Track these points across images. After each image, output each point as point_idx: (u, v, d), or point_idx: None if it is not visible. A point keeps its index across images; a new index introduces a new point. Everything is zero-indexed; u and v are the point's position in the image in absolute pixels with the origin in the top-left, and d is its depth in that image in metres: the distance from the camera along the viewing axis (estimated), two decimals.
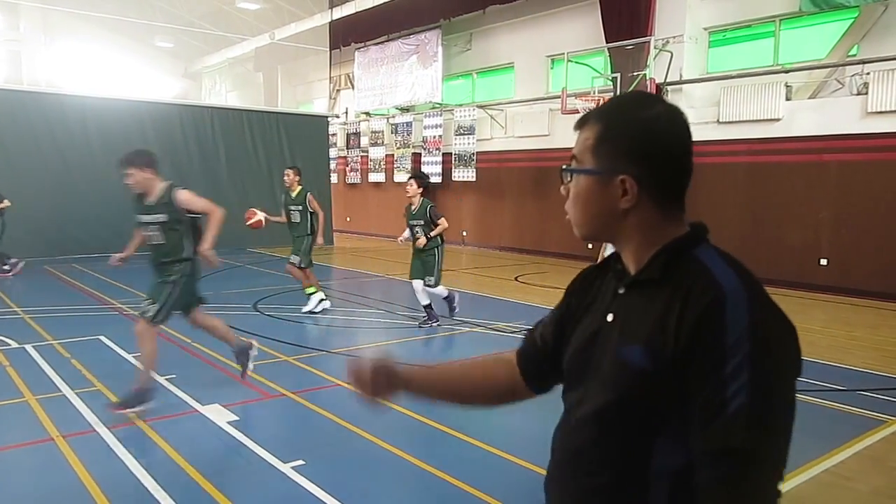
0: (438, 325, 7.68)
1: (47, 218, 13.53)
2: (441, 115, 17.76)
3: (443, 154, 17.65)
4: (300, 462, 3.94)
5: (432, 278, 7.54)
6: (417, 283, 7.60)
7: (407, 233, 7.78)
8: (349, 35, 20.60)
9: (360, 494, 3.57)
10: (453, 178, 17.39)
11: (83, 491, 3.57)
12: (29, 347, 6.45)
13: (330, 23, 20.83)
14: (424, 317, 7.76)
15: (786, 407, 0.98)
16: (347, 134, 21.50)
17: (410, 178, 7.78)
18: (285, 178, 8.52)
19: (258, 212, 8.12)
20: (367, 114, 20.82)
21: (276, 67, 26.93)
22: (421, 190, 7.62)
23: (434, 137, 17.92)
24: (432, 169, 17.69)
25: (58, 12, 20.67)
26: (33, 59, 23.84)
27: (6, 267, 11.19)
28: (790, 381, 0.99)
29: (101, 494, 3.53)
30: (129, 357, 6.21)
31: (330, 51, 22.04)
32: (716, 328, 0.97)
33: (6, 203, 11.08)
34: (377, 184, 20.39)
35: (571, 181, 1.20)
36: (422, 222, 7.51)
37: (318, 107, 24.11)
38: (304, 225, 8.44)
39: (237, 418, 4.69)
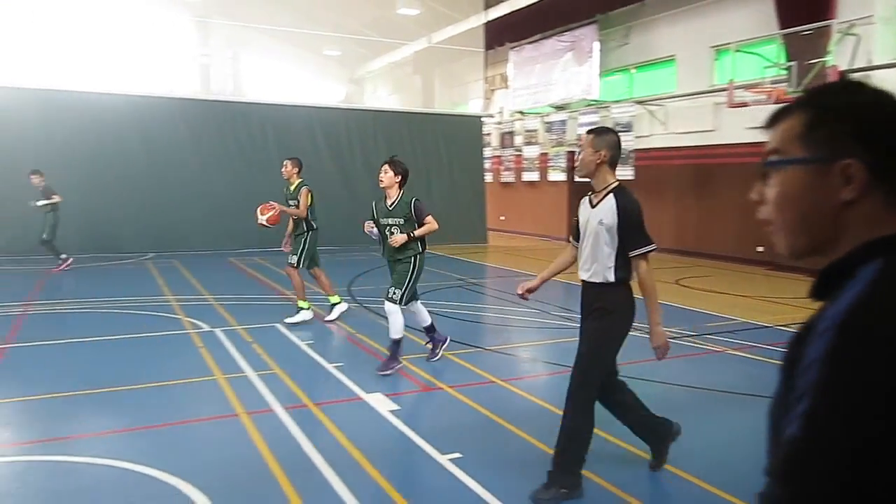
0: (440, 352, 6.20)
1: (232, 213, 14.97)
2: (597, 113, 17.40)
3: None
4: (457, 455, 4.07)
5: (398, 292, 5.75)
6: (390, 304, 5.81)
7: (372, 229, 6.07)
8: (504, 35, 20.76)
9: (516, 494, 3.61)
10: None
11: (263, 464, 3.93)
12: (218, 331, 7.20)
13: (485, 24, 21.13)
14: (430, 342, 6.26)
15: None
16: (501, 133, 21.69)
17: (385, 163, 6.01)
18: (283, 169, 7.95)
19: (274, 204, 7.77)
20: (521, 113, 20.86)
21: (433, 70, 27.76)
22: (399, 179, 5.93)
23: None
24: None
25: (242, 28, 22.72)
26: (221, 71, 26.42)
27: (63, 257, 11.70)
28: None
29: (279, 468, 3.87)
30: (302, 344, 6.73)
31: (485, 51, 22.35)
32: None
33: (57, 198, 11.45)
34: (531, 183, 20.39)
35: (770, 181, 1.00)
36: (401, 221, 5.83)
37: (473, 107, 24.53)
38: (301, 222, 7.79)
39: (398, 408, 4.92)
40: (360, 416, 4.81)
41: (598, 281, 3.57)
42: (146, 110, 14.49)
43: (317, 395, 5.21)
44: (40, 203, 11.28)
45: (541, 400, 5.16)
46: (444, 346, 6.21)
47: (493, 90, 22.96)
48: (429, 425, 4.72)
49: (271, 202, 7.85)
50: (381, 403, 5.00)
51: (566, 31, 18.44)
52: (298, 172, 7.93)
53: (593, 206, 3.58)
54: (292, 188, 7.88)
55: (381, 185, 5.92)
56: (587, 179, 3.62)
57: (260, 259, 13.51)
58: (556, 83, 19.01)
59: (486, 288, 11.25)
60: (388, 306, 5.76)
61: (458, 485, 3.72)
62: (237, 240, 14.98)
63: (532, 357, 6.76)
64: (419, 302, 6.16)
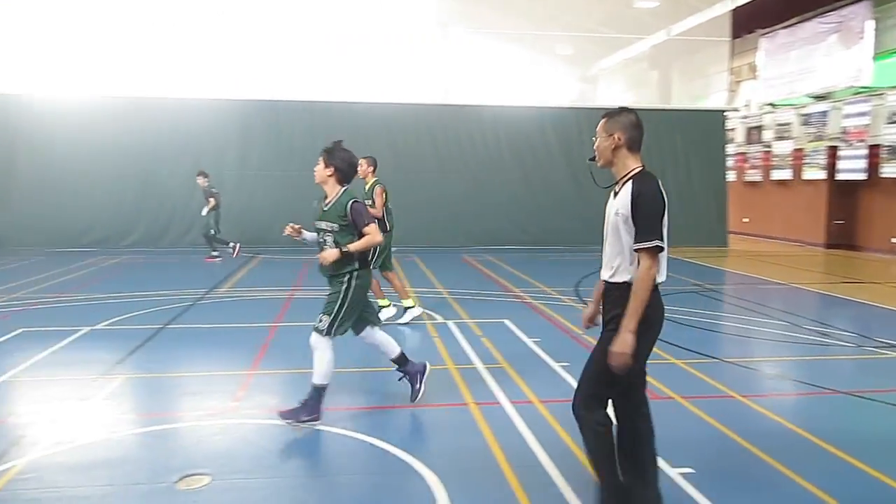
0: (421, 385, 4.98)
1: (467, 212, 15.71)
2: (868, 102, 15.20)
3: (868, 146, 15.10)
4: (689, 469, 3.83)
5: (326, 319, 4.56)
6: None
7: (311, 237, 4.87)
8: (753, 21, 19.04)
9: None
10: (881, 175, 14.75)
11: (490, 454, 4.05)
12: (451, 324, 7.58)
13: (732, 11, 19.57)
14: (404, 377, 5.04)
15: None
16: (748, 128, 19.95)
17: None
18: (358, 168, 7.88)
19: None
20: (772, 105, 18.99)
21: (671, 63, 26.38)
22: (331, 172, 4.65)
23: (857, 127, 15.44)
24: (854, 164, 15.31)
25: (477, 33, 23.70)
26: (457, 76, 27.77)
27: (227, 248, 13.10)
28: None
29: (505, 460, 3.96)
30: (528, 341, 6.82)
31: (731, 40, 20.71)
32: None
33: (213, 202, 12.89)
34: (782, 181, 18.48)
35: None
36: (335, 227, 4.60)
37: (715, 101, 22.89)
38: (376, 222, 7.53)
39: None
40: None
41: (619, 281, 3.12)
42: (392, 117, 15.76)
43: (542, 392, 5.23)
44: (204, 212, 12.99)
45: (788, 421, 4.64)
46: (424, 378, 4.97)
47: (738, 81, 21.20)
48: (658, 435, 4.48)
49: None
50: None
51: (831, 10, 16.38)
52: (374, 171, 7.69)
53: (615, 197, 3.16)
54: (367, 188, 7.67)
55: (316, 181, 4.79)
56: (609, 168, 3.23)
57: (491, 257, 13.96)
58: (817, 70, 17.00)
59: (725, 295, 10.42)
60: (312, 338, 4.53)
61: (687, 500, 3.50)
62: (471, 238, 15.67)
63: (778, 373, 6.11)
64: (378, 329, 4.91)
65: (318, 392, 4.51)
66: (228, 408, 4.91)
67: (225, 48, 16.31)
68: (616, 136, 3.13)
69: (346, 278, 4.57)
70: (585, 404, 3.23)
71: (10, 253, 13.52)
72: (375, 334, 4.89)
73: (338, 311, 4.57)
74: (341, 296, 4.57)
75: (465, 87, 19.36)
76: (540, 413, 4.78)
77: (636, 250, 3.01)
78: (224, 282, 10.54)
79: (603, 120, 3.20)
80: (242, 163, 15.38)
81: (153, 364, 6.03)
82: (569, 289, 9.98)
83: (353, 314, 4.65)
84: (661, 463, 3.92)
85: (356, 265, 4.60)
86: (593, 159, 3.25)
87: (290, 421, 4.45)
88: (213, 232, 13.10)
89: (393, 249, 7.98)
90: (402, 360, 4.97)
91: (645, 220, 2.99)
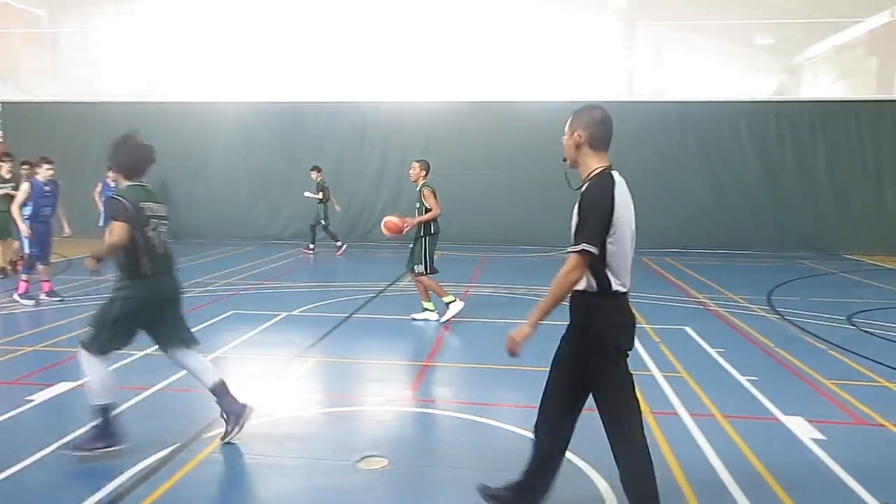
0: (235, 429, 4.12)
1: (647, 212, 15.03)
2: None
3: None
4: None
5: (90, 330, 3.94)
6: None
7: None
8: None
9: None
10: None
11: (665, 466, 3.86)
12: None
13: None
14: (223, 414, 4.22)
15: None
16: None
17: None
18: (411, 171, 7.85)
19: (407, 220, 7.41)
20: None
21: (894, 49, 23.32)
22: (115, 170, 4.27)
23: None
24: None
25: (668, 27, 22.63)
26: (644, 73, 26.74)
27: (311, 246, 13.77)
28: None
29: (681, 473, 3.75)
30: (712, 351, 6.40)
31: None
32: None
33: (320, 195, 13.67)
34: None
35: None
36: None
37: None
38: (421, 225, 7.53)
39: (823, 438, 4.30)
40: (776, 438, 4.35)
41: (576, 288, 2.90)
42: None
43: (726, 406, 4.88)
44: (307, 194, 13.94)
45: None
46: (240, 422, 4.10)
47: None
48: (863, 464, 3.99)
49: (405, 219, 7.61)
50: (801, 429, 4.44)
51: None
52: (426, 175, 7.77)
53: None
54: (417, 189, 7.78)
55: None
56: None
57: (672, 260, 13.28)
58: None
59: None
60: (79, 354, 3.91)
61: None
62: (650, 239, 15.01)
63: None
64: (193, 354, 4.18)
65: (104, 413, 3.87)
66: (406, 396, 5.16)
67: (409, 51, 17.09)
68: (577, 133, 2.98)
69: (116, 287, 3.98)
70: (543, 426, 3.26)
71: (229, 243, 15.27)
72: (187, 359, 4.16)
73: (100, 324, 3.90)
74: (106, 307, 3.95)
75: (652, 84, 18.62)
76: (723, 428, 4.47)
77: (568, 251, 2.84)
78: (405, 276, 11.07)
79: (570, 118, 3.04)
80: (459, 163, 16.06)
81: (339, 350, 6.50)
82: (760, 297, 9.21)
83: (122, 330, 3.94)
84: (863, 495, 3.50)
85: (127, 274, 3.97)
86: (566, 159, 3.08)
87: (84, 451, 3.83)
88: (323, 223, 13.93)
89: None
90: (219, 392, 4.13)
91: (580, 222, 2.84)
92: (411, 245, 7.73)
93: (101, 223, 13.74)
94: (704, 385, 5.33)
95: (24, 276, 8.55)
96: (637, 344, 6.43)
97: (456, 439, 4.36)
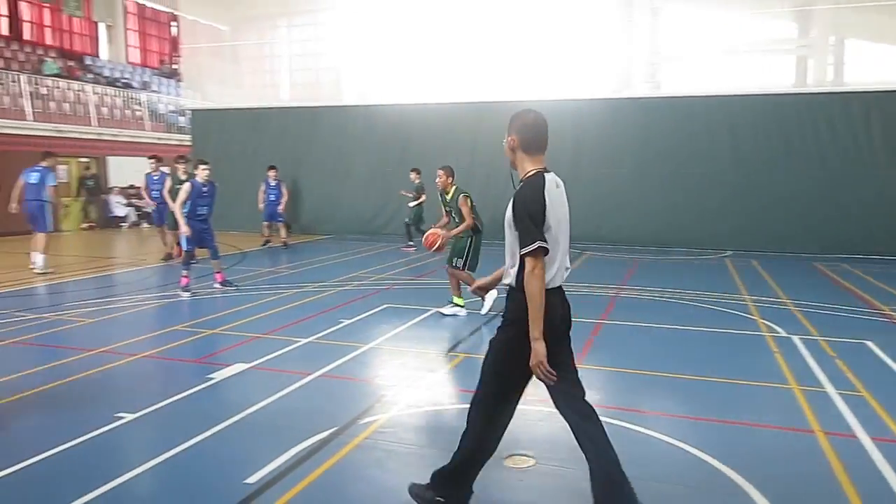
0: None
1: (821, 215, 13.79)
2: None
3: None
4: None
5: None
6: None
7: None
8: None
9: None
10: None
11: (840, 492, 3.52)
12: (795, 339, 6.75)
13: None
14: None
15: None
16: None
17: None
18: (437, 179, 8.08)
19: (438, 231, 7.07)
20: None
21: None
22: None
23: None
24: None
25: (849, 10, 20.56)
26: (820, 60, 24.46)
27: (410, 244, 14.01)
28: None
29: (858, 501, 3.40)
30: None
31: None
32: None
33: (423, 198, 14.12)
34: None
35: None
36: None
37: None
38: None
39: None
40: None
41: (506, 282, 3.14)
42: (737, 109, 14.55)
43: None
44: (404, 191, 14.46)
45: None
46: None
47: None
48: None
49: (436, 231, 7.22)
50: None
51: None
52: (452, 181, 8.02)
53: None
54: (449, 197, 7.96)
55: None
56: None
57: (850, 266, 12.05)
58: None
59: None
60: None
61: None
62: (824, 244, 13.73)
63: None
64: None
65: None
66: None
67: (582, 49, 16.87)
68: (511, 137, 3.12)
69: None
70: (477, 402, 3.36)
71: (384, 239, 15.98)
72: None
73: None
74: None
75: (830, 72, 17.07)
76: None
77: (521, 255, 2.96)
78: None
79: (509, 122, 3.16)
80: (575, 161, 15.76)
81: (486, 347, 6.55)
82: None
83: None
84: None
85: None
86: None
87: None
88: (407, 220, 14.35)
89: (730, 252, 7.44)
90: None
91: (521, 223, 2.96)
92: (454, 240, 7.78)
93: (264, 220, 14.92)
94: (889, 406, 4.79)
95: (183, 272, 9.14)
96: (808, 357, 5.96)
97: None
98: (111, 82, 23.30)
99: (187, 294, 9.00)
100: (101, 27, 26.68)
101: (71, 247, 15.45)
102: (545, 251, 2.93)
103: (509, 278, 3.12)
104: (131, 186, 20.15)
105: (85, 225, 19.81)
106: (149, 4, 28.41)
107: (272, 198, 14.51)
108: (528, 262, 2.93)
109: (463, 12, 17.53)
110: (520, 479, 3.73)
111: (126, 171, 20.22)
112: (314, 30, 20.54)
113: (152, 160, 13.01)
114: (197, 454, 4.03)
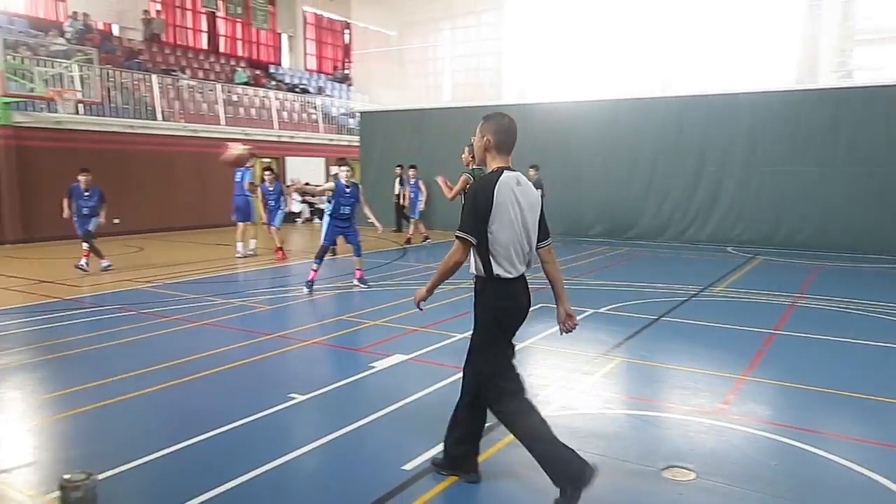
0: None
1: None
2: None
3: None
4: None
5: None
6: None
7: None
8: None
9: None
10: None
11: None
12: None
13: None
14: None
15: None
16: None
17: None
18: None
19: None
20: None
21: None
22: None
23: None
24: None
25: None
26: None
27: None
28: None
29: None
30: None
31: None
32: None
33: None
34: None
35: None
36: None
37: None
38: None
39: None
40: None
41: (476, 273, 3.45)
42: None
43: None
44: None
45: None
46: None
47: None
48: None
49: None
50: None
51: None
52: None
53: None
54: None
55: None
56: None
57: None
58: None
59: None
60: None
61: None
62: None
63: None
64: None
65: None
66: (716, 409, 4.81)
67: (726, 42, 15.80)
68: (486, 138, 3.41)
69: None
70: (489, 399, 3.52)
71: None
72: None
73: None
74: None
75: None
76: None
77: (455, 235, 3.38)
78: (720, 280, 10.32)
79: (481, 122, 3.45)
80: (750, 158, 14.70)
81: (646, 352, 6.32)
82: None
83: None
84: None
85: None
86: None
87: None
88: None
89: None
90: None
91: (465, 212, 3.38)
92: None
93: (414, 216, 15.55)
94: None
95: (314, 266, 9.34)
96: None
97: (771, 463, 3.94)
98: (290, 88, 25.25)
99: (306, 290, 9.12)
100: (284, 38, 28.99)
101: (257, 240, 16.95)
102: (467, 243, 3.34)
103: (471, 267, 3.47)
104: (307, 184, 21.79)
105: (264, 220, 21.65)
106: (325, 15, 30.43)
107: (413, 195, 15.35)
108: (456, 244, 3.37)
109: (627, 5, 16.98)
110: (679, 493, 3.56)
111: (300, 171, 21.81)
112: (477, 31, 20.90)
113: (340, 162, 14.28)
114: (358, 438, 4.26)
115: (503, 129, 3.43)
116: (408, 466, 3.81)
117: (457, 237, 3.35)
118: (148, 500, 3.54)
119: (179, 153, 18.29)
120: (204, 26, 25.77)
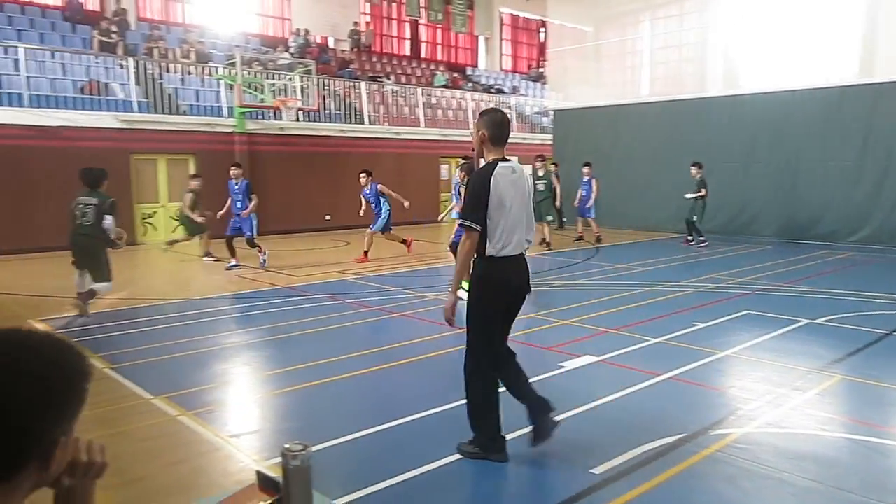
0: None
1: None
2: None
3: None
4: None
5: None
6: None
7: None
8: None
9: None
10: None
11: None
12: None
13: None
14: None
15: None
16: None
17: None
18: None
19: None
20: None
21: None
22: None
23: None
24: None
25: None
26: None
27: (702, 239, 13.97)
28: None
29: None
30: None
31: None
32: None
33: (703, 192, 13.80)
34: None
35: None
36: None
37: None
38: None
39: None
40: None
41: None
42: None
43: None
44: (689, 196, 13.90)
45: None
46: None
47: None
48: None
49: None
50: None
51: None
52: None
53: None
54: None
55: None
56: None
57: None
58: None
59: None
60: None
61: None
62: None
63: None
64: None
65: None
66: None
67: None
68: (482, 132, 3.74)
69: None
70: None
71: (742, 241, 14.76)
72: None
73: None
74: None
75: None
76: None
77: (459, 224, 3.95)
78: None
79: (478, 118, 3.81)
80: None
81: (873, 370, 5.58)
82: None
83: None
84: None
85: None
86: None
87: None
88: (694, 219, 13.95)
89: None
90: None
91: (465, 201, 3.76)
92: None
93: (589, 214, 15.04)
94: None
95: None
96: None
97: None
98: (486, 89, 25.85)
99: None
100: (481, 40, 29.74)
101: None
102: (471, 229, 3.64)
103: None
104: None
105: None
106: (521, 14, 30.72)
107: (584, 193, 14.79)
108: (465, 233, 3.70)
109: None
110: None
111: None
112: (679, 21, 19.84)
113: (538, 159, 14.56)
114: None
115: (496, 123, 3.75)
116: (596, 470, 3.72)
117: (461, 225, 3.71)
118: (351, 475, 3.83)
119: (384, 154, 19.53)
120: (407, 34, 27.26)
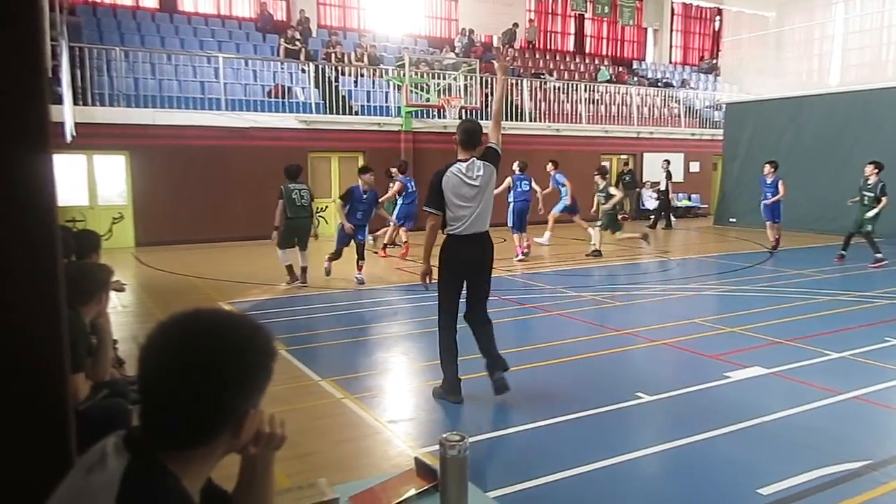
0: None
1: None
2: None
3: None
4: None
5: None
6: None
7: None
8: None
9: None
10: None
11: None
12: None
13: None
14: None
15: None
16: None
17: None
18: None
19: None
20: None
21: None
22: None
23: None
24: None
25: None
26: None
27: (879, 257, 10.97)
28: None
29: None
30: None
31: None
32: None
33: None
34: None
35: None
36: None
37: None
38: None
39: None
40: None
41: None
42: None
43: None
44: (870, 214, 11.03)
45: None
46: None
47: None
48: None
49: None
50: None
51: None
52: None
53: None
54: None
55: None
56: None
57: None
58: None
59: None
60: None
61: None
62: None
63: None
64: None
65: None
66: None
67: None
68: (455, 137, 4.75)
69: None
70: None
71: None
72: None
73: None
74: None
75: None
76: None
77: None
78: None
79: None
80: None
81: None
82: None
83: None
84: None
85: None
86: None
87: None
88: (868, 228, 11.10)
89: None
90: None
91: (426, 192, 4.75)
92: None
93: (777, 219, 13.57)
94: None
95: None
96: None
97: None
98: (652, 83, 24.79)
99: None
100: (649, 32, 28.57)
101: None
102: (430, 214, 4.67)
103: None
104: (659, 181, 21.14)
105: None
106: (695, 3, 29.09)
107: (768, 196, 13.09)
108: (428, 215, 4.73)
109: None
110: None
111: (656, 167, 21.31)
112: (880, 1, 17.78)
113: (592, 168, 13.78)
114: (705, 449, 4.03)
115: (465, 130, 4.70)
116: (764, 491, 3.47)
117: (425, 211, 4.71)
118: (505, 470, 3.88)
119: (540, 151, 19.43)
120: (571, 29, 26.85)
